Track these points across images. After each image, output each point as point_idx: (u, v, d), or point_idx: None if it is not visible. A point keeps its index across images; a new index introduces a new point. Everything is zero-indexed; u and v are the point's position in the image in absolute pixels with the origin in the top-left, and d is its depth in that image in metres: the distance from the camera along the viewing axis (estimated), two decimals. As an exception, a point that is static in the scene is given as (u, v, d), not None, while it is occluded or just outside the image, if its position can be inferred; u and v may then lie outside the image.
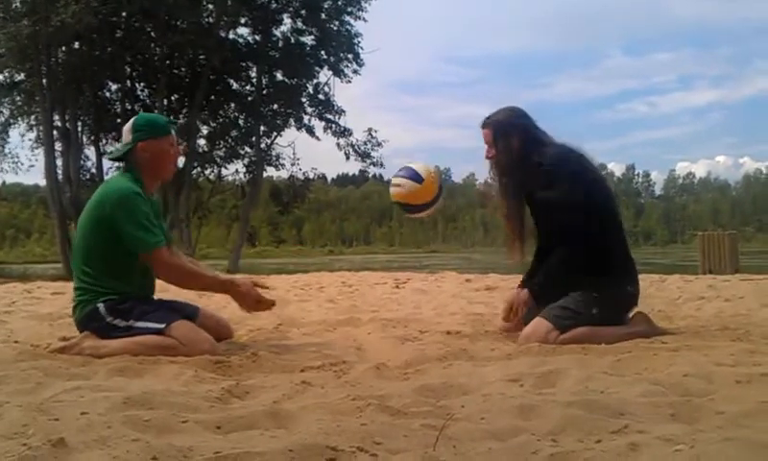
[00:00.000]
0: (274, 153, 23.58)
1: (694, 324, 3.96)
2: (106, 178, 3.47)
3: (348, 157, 23.88)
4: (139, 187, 3.25)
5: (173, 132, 3.48)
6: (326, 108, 23.22)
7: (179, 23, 19.95)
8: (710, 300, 5.45)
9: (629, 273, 3.61)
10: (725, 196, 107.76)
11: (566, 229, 3.47)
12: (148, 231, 3.18)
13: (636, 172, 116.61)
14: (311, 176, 25.32)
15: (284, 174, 24.48)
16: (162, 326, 3.08)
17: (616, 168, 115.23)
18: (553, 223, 3.58)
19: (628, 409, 1.92)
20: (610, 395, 2.10)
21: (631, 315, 3.61)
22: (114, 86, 21.22)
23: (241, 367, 2.79)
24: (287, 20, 22.87)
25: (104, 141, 20.71)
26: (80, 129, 19.99)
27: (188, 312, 3.41)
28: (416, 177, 3.63)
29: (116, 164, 3.82)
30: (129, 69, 21.13)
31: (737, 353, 2.77)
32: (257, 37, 22.74)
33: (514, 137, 3.64)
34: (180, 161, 21.05)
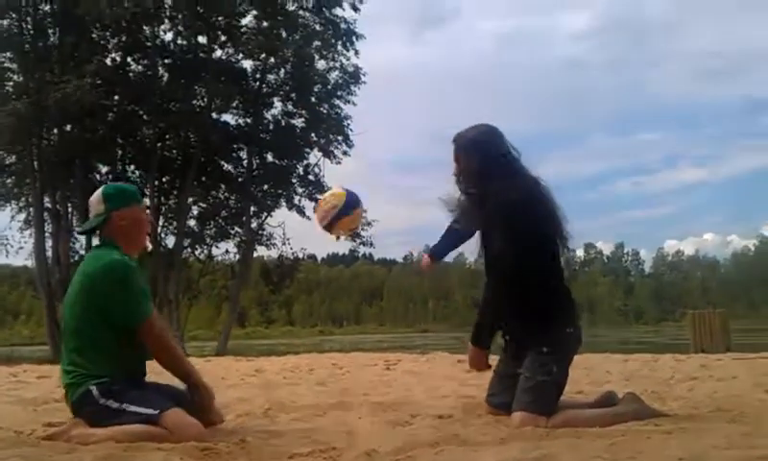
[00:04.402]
0: (264, 233, 23.72)
1: (687, 405, 3.92)
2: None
3: (337, 238, 23.89)
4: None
5: (142, 200, 3.45)
6: (317, 188, 23.48)
7: (171, 106, 20.28)
8: (703, 380, 5.39)
9: (565, 314, 3.51)
10: (714, 273, 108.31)
11: (493, 271, 3.46)
12: (142, 303, 3.15)
13: (625, 250, 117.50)
14: (301, 255, 25.46)
15: (274, 253, 24.58)
16: (156, 412, 2.99)
17: (605, 246, 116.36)
18: (487, 258, 3.52)
19: (623, 496, 1.88)
20: (604, 481, 2.06)
21: (621, 396, 3.56)
22: (105, 169, 21.37)
23: (229, 454, 2.73)
24: (278, 103, 23.35)
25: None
26: (69, 210, 20.04)
27: (179, 398, 3.34)
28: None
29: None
30: (120, 151, 21.33)
31: (732, 436, 2.74)
32: (248, 120, 23.10)
33: (474, 157, 3.48)
34: (170, 242, 21.16)
